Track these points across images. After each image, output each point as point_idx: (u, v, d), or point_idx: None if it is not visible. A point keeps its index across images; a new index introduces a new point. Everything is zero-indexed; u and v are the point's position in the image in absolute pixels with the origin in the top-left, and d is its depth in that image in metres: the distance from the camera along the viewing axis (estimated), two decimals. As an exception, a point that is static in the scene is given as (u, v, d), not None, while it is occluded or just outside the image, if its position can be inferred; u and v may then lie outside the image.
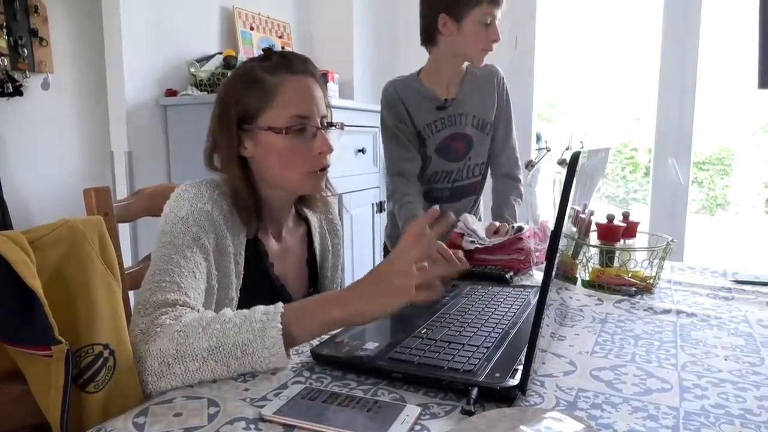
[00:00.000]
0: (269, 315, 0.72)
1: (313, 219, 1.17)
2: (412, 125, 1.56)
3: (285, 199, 1.06)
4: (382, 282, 0.75)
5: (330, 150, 0.99)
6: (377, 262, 2.80)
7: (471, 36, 1.46)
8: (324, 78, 2.53)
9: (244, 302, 0.99)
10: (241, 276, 1.00)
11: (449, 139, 1.59)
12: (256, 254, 1.03)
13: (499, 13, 1.46)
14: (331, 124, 1.03)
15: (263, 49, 1.03)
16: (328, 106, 1.04)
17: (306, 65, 1.00)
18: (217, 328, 0.71)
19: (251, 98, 0.97)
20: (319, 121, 0.99)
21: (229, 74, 1.51)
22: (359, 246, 2.66)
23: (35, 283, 0.57)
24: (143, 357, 0.70)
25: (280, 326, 0.71)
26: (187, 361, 0.69)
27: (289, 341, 0.73)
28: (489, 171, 1.71)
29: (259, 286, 1.03)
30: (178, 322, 0.74)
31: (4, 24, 2.73)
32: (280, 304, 0.75)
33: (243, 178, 0.99)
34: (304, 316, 0.74)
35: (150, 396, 0.69)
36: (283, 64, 0.98)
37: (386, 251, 1.82)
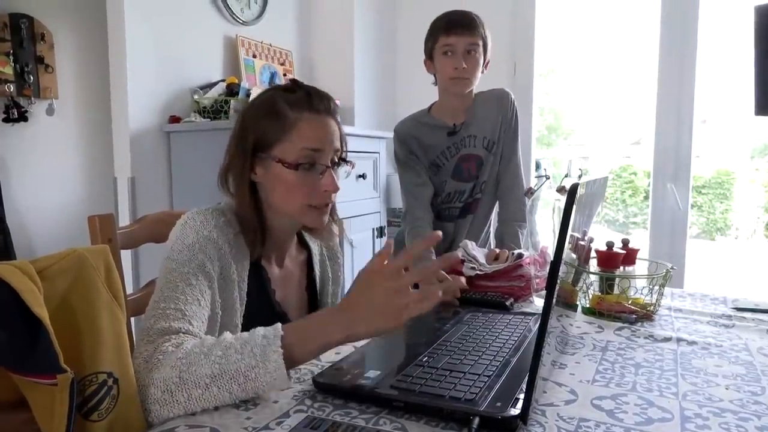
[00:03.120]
0: (269, 338, 0.73)
1: (314, 246, 1.18)
2: (425, 157, 1.69)
3: (290, 226, 1.08)
4: (378, 302, 0.73)
5: (335, 190, 1.01)
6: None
7: (439, 68, 1.62)
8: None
9: (247, 329, 1.00)
10: (245, 303, 1.00)
11: (461, 161, 1.69)
12: (258, 281, 1.04)
13: (461, 43, 1.56)
14: (343, 160, 1.05)
15: (291, 80, 1.05)
16: (344, 143, 1.06)
17: (327, 104, 1.02)
18: (219, 354, 0.72)
19: (269, 129, 0.99)
20: (330, 158, 1.01)
21: (252, 98, 1.54)
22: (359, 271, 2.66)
23: (42, 313, 0.58)
24: (147, 385, 0.71)
25: (281, 350, 0.71)
26: (190, 388, 0.70)
27: (290, 363, 0.73)
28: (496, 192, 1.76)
29: (261, 312, 1.04)
30: (179, 349, 0.75)
31: (11, 51, 2.78)
32: (279, 326, 0.75)
33: (251, 201, 1.01)
34: (305, 339, 0.74)
35: (153, 424, 0.70)
36: (305, 101, 1.00)
37: None
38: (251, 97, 2.19)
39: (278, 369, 0.71)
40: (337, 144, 1.02)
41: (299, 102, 0.99)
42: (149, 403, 0.70)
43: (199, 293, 0.88)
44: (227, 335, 0.76)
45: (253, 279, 1.03)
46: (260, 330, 0.75)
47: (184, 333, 0.81)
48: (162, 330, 0.80)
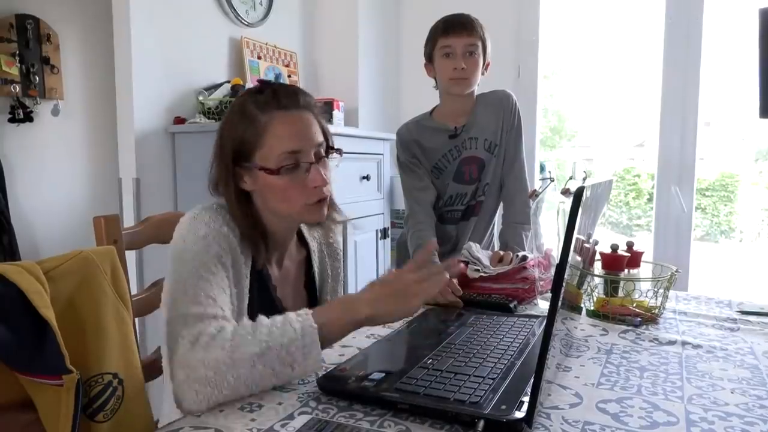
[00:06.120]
0: (302, 317, 0.80)
1: (313, 243, 1.18)
2: (427, 161, 1.69)
3: (290, 227, 1.08)
4: (399, 287, 0.86)
5: (324, 183, 1.00)
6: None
7: (439, 70, 1.63)
8: (329, 106, 2.57)
9: None
10: (247, 297, 1.01)
11: (462, 163, 1.69)
12: (259, 278, 1.04)
13: (460, 43, 1.58)
14: (330, 149, 1.04)
15: (258, 80, 1.05)
16: (327, 133, 1.05)
17: (295, 99, 1.00)
18: (264, 332, 0.78)
19: (244, 135, 0.98)
20: (313, 153, 1.00)
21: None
22: (363, 272, 2.66)
23: (49, 314, 0.58)
24: (194, 366, 0.73)
25: (315, 325, 0.79)
26: (239, 367, 0.74)
27: (323, 340, 0.79)
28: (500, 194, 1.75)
29: (262, 309, 1.04)
30: (225, 331, 0.79)
31: (17, 52, 2.79)
32: (306, 309, 0.82)
33: (245, 210, 1.00)
34: (334, 319, 0.82)
35: (190, 410, 0.72)
36: (274, 100, 0.98)
37: None
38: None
39: (314, 342, 0.78)
40: (319, 137, 1.01)
41: (267, 102, 0.98)
42: (198, 384, 0.72)
43: (221, 280, 0.90)
44: (262, 319, 0.81)
45: (255, 276, 1.03)
46: (291, 313, 0.82)
47: (221, 318, 0.84)
48: (199, 315, 0.83)
